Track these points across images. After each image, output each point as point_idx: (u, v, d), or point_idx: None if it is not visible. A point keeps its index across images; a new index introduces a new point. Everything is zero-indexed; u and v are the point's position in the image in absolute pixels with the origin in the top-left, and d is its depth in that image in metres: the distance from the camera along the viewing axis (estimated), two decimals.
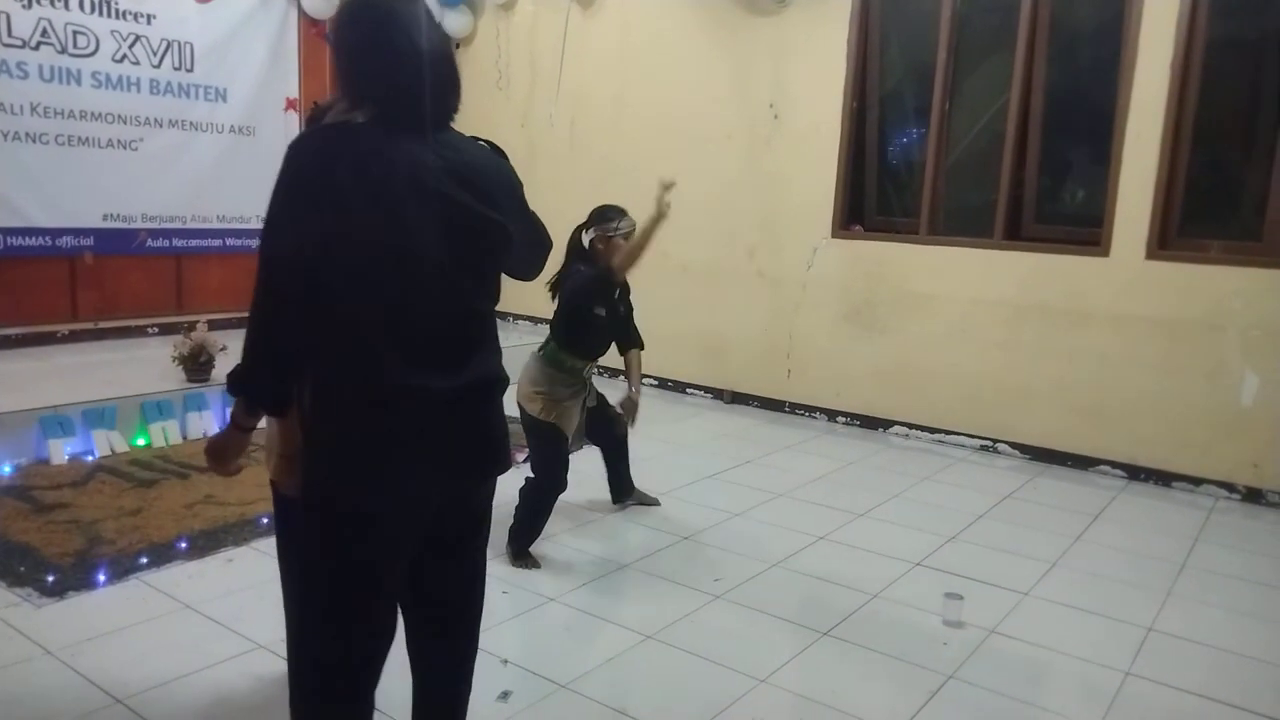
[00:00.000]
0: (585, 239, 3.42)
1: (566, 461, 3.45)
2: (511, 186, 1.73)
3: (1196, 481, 4.50)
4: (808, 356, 5.68)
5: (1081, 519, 4.05)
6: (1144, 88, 4.48)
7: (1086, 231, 4.80)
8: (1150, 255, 4.54)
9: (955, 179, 5.31)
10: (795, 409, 5.76)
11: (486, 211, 1.63)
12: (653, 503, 3.98)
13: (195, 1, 5.86)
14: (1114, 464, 4.71)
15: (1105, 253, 4.65)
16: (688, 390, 6.22)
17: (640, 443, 4.93)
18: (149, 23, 5.66)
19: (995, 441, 5.06)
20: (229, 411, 1.68)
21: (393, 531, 1.65)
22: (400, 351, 1.56)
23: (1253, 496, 4.37)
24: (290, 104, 6.39)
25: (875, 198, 5.59)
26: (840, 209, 5.48)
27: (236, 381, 1.58)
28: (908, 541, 3.68)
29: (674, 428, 5.36)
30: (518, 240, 1.73)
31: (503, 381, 1.75)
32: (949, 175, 5.29)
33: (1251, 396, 4.33)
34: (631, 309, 3.74)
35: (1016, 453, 4.99)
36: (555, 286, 3.45)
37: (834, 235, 5.49)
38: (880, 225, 5.51)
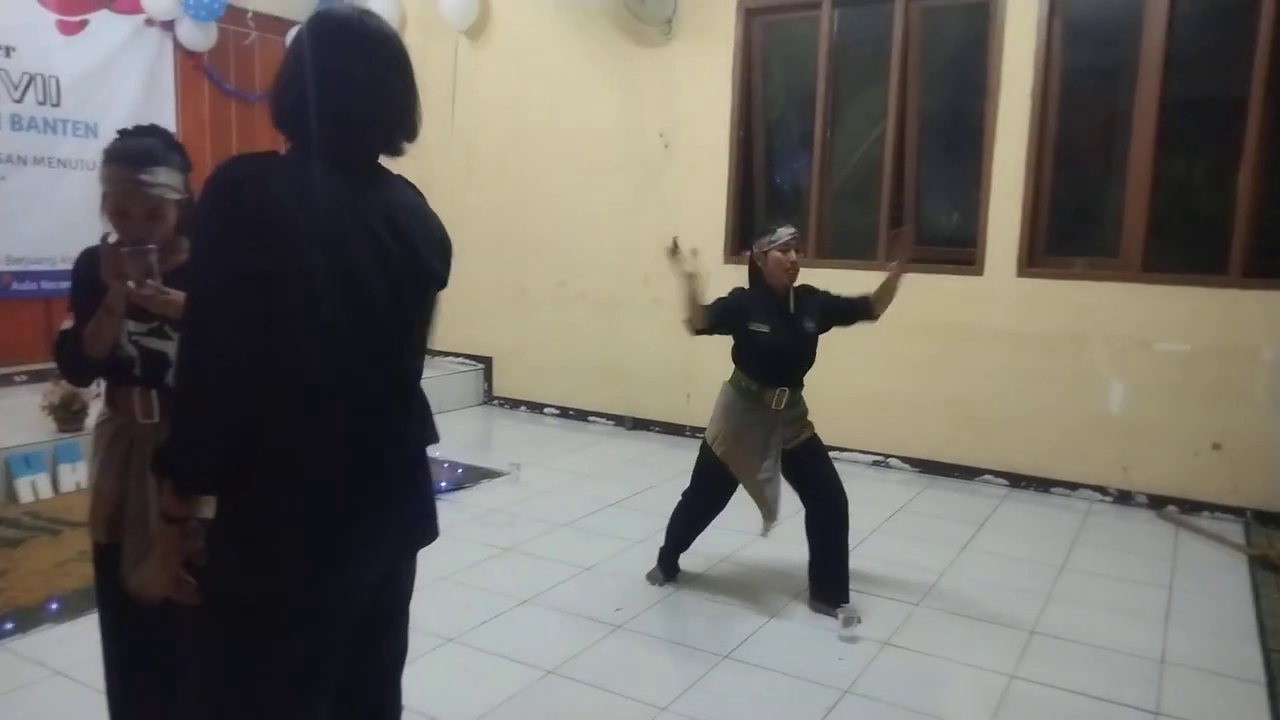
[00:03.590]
0: (754, 252, 3.25)
1: (711, 497, 3.36)
2: (443, 236, 1.60)
3: (1073, 486, 4.74)
4: (706, 380, 5.72)
5: (968, 528, 4.21)
6: (1008, 115, 4.74)
7: (963, 251, 5.04)
8: (1021, 273, 4.79)
9: (839, 204, 5.50)
10: (696, 432, 5.81)
11: (421, 259, 1.51)
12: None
13: (60, 34, 5.61)
14: (997, 473, 4.93)
15: (980, 271, 4.88)
16: (589, 418, 6.22)
17: (543, 474, 4.92)
18: (8, 55, 5.38)
19: (887, 456, 5.23)
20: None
21: (338, 619, 1.47)
22: (359, 405, 1.44)
23: (1123, 498, 4.63)
24: None
25: (765, 223, 5.72)
26: (731, 235, 5.60)
27: (169, 458, 1.34)
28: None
29: (575, 457, 5.35)
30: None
31: (436, 443, 1.64)
32: (833, 200, 5.47)
33: (1118, 404, 4.60)
34: (834, 312, 3.34)
35: (907, 466, 5.17)
36: None
37: (726, 261, 5.59)
38: None
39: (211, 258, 1.34)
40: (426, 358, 1.63)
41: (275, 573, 1.40)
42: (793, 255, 3.16)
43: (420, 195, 1.60)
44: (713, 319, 3.13)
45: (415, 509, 1.58)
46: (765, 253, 3.17)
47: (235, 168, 1.37)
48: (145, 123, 2.05)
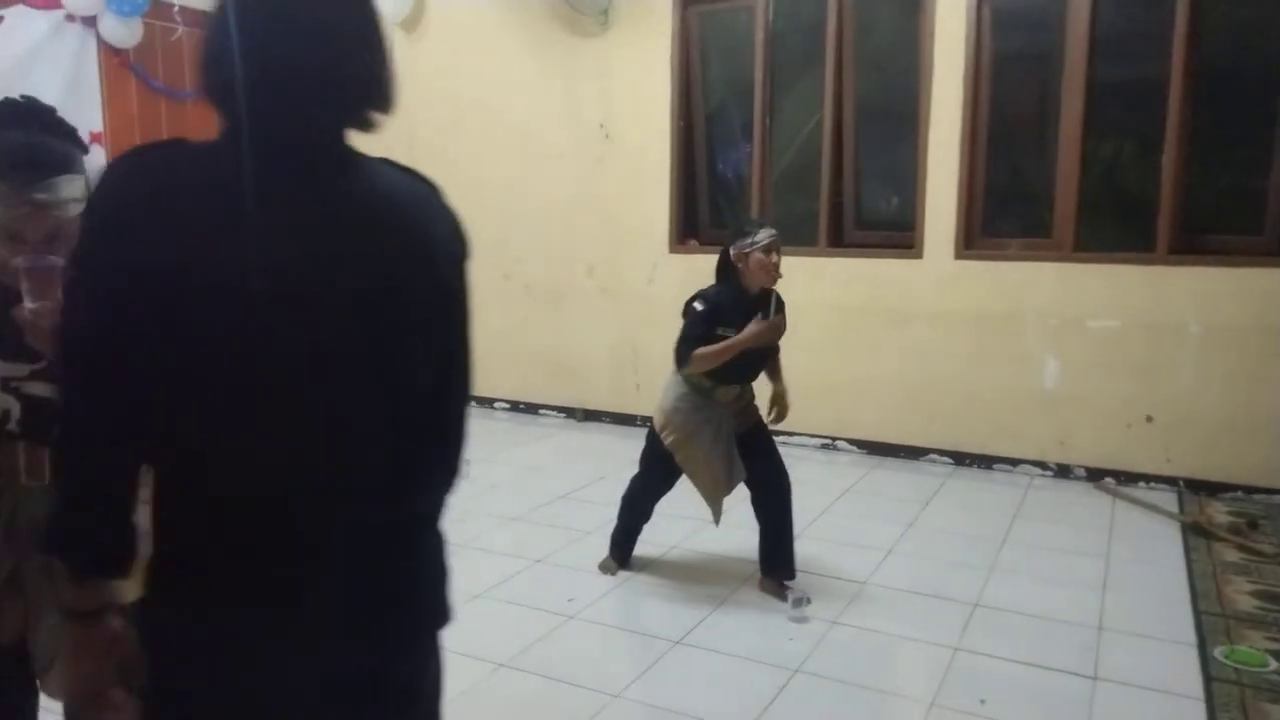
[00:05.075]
0: (733, 254, 3.14)
1: (659, 480, 3.42)
2: (421, 238, 1.15)
3: (1014, 462, 4.86)
4: (654, 369, 5.75)
5: (914, 506, 4.30)
6: (941, 99, 4.83)
7: (902, 235, 5.12)
8: (958, 255, 4.87)
9: (781, 190, 5.55)
10: (646, 421, 5.80)
11: (376, 269, 1.09)
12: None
13: None
14: (941, 451, 5.03)
15: (919, 254, 4.97)
16: (540, 411, 6.21)
17: (493, 468, 4.90)
18: None
19: (834, 439, 5.30)
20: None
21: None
22: (249, 465, 1.08)
23: (1062, 472, 4.75)
24: (95, 138, 5.99)
25: (708, 211, 5.76)
26: (675, 224, 5.62)
27: (52, 537, 1.08)
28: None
29: (527, 450, 5.34)
30: (447, 342, 1.18)
31: (428, 519, 1.26)
32: (775, 187, 5.52)
33: (1054, 380, 4.72)
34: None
35: (854, 448, 5.25)
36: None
37: (671, 250, 5.62)
38: (714, 238, 5.65)
39: (79, 288, 1.07)
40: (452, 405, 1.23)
41: (164, 674, 1.11)
42: (774, 257, 3.08)
43: (419, 184, 1.21)
44: (697, 342, 3.10)
45: (365, 605, 1.15)
46: (746, 255, 3.08)
47: (113, 169, 1.08)
48: (69, 121, 1.65)
